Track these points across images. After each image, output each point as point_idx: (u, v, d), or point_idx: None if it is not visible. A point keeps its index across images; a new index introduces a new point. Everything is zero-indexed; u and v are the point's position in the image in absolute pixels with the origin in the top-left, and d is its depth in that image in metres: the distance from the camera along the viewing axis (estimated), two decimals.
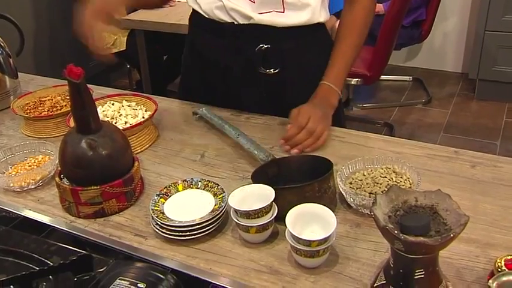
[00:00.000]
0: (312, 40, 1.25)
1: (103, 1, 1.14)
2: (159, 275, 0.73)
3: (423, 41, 3.27)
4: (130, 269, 0.76)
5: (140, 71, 3.07)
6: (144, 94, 1.29)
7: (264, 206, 0.85)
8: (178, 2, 2.96)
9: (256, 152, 1.06)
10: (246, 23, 1.19)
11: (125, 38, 2.99)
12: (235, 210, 0.86)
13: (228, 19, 1.20)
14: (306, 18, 1.20)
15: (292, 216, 0.83)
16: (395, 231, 0.68)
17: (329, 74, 1.22)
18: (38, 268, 0.71)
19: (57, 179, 0.98)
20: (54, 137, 1.24)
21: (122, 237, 0.92)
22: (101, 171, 0.94)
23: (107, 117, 1.17)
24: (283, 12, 1.18)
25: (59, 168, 1.00)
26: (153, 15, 2.78)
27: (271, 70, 1.23)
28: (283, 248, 0.87)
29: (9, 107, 1.40)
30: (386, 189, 0.94)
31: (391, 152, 1.11)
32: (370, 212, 0.72)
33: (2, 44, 1.38)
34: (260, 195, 0.88)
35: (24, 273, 0.69)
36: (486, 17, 3.10)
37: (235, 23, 1.20)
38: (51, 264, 0.74)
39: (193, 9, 1.30)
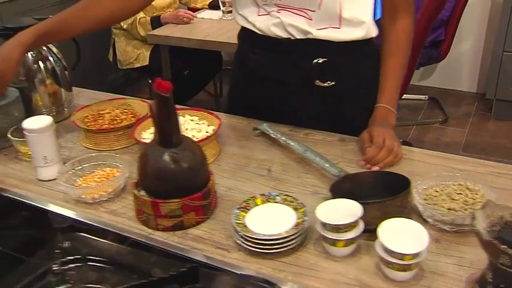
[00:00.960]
0: (365, 54, 1.29)
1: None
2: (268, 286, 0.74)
3: (441, 60, 3.31)
4: (237, 281, 0.76)
5: None
6: (205, 109, 1.30)
7: (353, 220, 0.86)
8: (202, 18, 3.00)
9: (327, 168, 1.07)
10: (303, 38, 1.22)
11: (148, 53, 3.01)
12: (323, 224, 0.87)
13: (284, 35, 1.24)
14: (361, 35, 1.23)
15: (383, 229, 0.84)
16: (503, 246, 0.70)
17: (383, 96, 1.25)
18: (144, 280, 0.72)
19: (135, 191, 0.98)
20: (114, 149, 1.25)
21: (203, 250, 0.92)
22: (182, 184, 0.95)
23: None
24: (339, 28, 1.21)
25: (134, 181, 1.01)
26: (178, 31, 2.82)
27: (327, 83, 1.26)
28: (368, 261, 0.88)
29: (65, 119, 1.41)
30: (464, 205, 0.95)
31: (454, 169, 1.13)
32: (472, 227, 0.73)
33: (58, 56, 1.40)
34: (345, 209, 0.89)
35: (134, 284, 0.69)
36: (505, 38, 3.15)
37: (292, 38, 1.23)
38: (154, 276, 0.74)
39: (243, 27, 1.33)
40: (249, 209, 0.96)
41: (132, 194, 1.01)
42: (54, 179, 1.15)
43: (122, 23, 2.94)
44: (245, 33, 1.34)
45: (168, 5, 3.08)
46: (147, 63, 3.02)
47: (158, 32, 2.83)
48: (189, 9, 3.23)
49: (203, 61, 3.23)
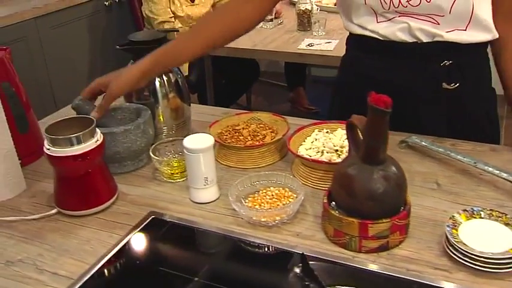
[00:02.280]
0: (487, 54, 1.29)
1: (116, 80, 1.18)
2: None
3: None
4: None
5: (200, 96, 3.02)
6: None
7: None
8: None
9: (507, 177, 1.04)
10: (429, 41, 1.21)
11: (187, 64, 2.94)
12: None
13: (410, 39, 1.22)
14: (488, 37, 1.22)
15: None
16: None
17: None
18: None
19: (335, 212, 0.93)
20: (259, 167, 1.19)
21: (421, 271, 0.88)
22: (391, 203, 0.91)
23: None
24: (465, 30, 1.20)
25: (325, 201, 0.96)
26: None
27: (452, 85, 1.25)
28: None
29: (188, 134, 1.34)
30: None
31: None
32: None
33: (180, 70, 1.33)
34: None
35: None
36: None
37: (419, 42, 1.21)
38: None
39: (355, 35, 1.30)
40: (457, 226, 0.92)
41: (310, 215, 0.96)
42: (213, 201, 1.09)
43: None
44: (360, 40, 1.31)
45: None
46: (186, 73, 2.94)
47: None
48: None
49: (240, 70, 3.18)
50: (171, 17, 2.89)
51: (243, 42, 2.69)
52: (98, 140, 1.05)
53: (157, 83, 1.29)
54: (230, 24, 1.27)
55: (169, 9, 2.88)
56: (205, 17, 1.28)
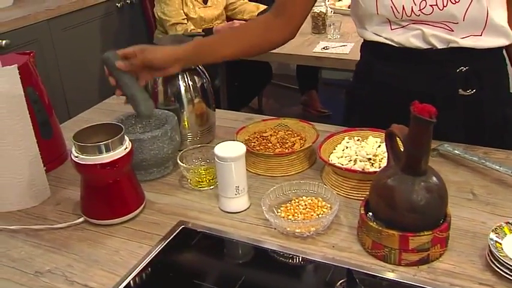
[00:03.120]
0: (503, 60, 1.27)
1: (154, 58, 1.17)
2: None
3: None
4: None
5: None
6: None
7: None
8: None
9: None
10: (444, 47, 1.19)
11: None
12: None
13: (424, 46, 1.20)
14: (504, 41, 1.21)
15: None
16: None
17: None
18: None
19: (374, 224, 0.90)
20: (289, 175, 1.17)
21: (463, 286, 0.85)
22: (433, 215, 0.88)
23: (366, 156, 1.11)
24: (481, 35, 1.18)
25: (362, 212, 0.93)
26: None
27: (469, 91, 1.23)
28: None
29: (209, 142, 1.31)
30: None
31: None
32: None
33: (206, 74, 1.31)
34: None
35: None
36: None
37: (434, 48, 1.20)
38: None
39: (370, 41, 1.29)
40: (501, 239, 0.89)
41: (345, 226, 0.94)
42: (244, 211, 1.07)
43: (171, 34, 2.84)
44: (374, 47, 1.29)
45: (216, 17, 2.99)
46: None
47: None
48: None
49: (253, 73, 3.15)
50: (183, 19, 2.86)
51: None
52: (127, 148, 1.03)
53: (182, 88, 1.27)
54: (263, 35, 1.28)
55: (182, 11, 2.86)
56: (246, 23, 1.32)
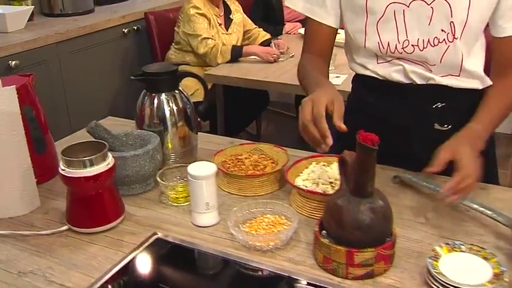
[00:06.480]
0: (481, 98, 1.31)
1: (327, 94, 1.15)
2: None
3: None
4: None
5: (211, 123, 3.11)
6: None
7: None
8: (255, 59, 3.05)
9: (494, 216, 1.10)
10: (423, 83, 1.30)
11: (203, 92, 3.02)
12: None
13: (406, 81, 1.31)
14: (477, 85, 1.31)
15: None
16: None
17: (482, 118, 1.23)
18: None
19: (325, 240, 1.00)
20: (259, 195, 1.27)
21: None
22: (377, 233, 0.97)
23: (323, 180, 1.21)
24: (459, 76, 1.29)
25: (316, 229, 1.03)
26: (234, 72, 2.86)
27: (445, 126, 1.32)
28: None
29: (193, 161, 1.41)
30: None
31: None
32: None
33: (188, 98, 1.42)
34: None
35: None
36: None
37: (414, 83, 1.30)
38: None
39: (359, 74, 1.40)
40: (438, 258, 0.98)
41: (303, 242, 1.03)
42: (213, 225, 1.16)
43: (200, 48, 3.00)
44: (363, 79, 1.40)
45: (235, 43, 3.17)
46: (201, 99, 3.03)
47: (215, 71, 2.87)
48: None
49: (249, 99, 3.28)
50: (212, 36, 3.03)
51: (255, 74, 2.79)
52: (109, 164, 1.13)
53: (167, 112, 1.38)
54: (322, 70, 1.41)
55: (209, 30, 3.04)
56: (312, 58, 1.44)
